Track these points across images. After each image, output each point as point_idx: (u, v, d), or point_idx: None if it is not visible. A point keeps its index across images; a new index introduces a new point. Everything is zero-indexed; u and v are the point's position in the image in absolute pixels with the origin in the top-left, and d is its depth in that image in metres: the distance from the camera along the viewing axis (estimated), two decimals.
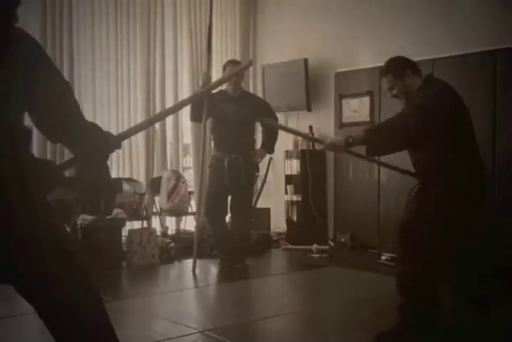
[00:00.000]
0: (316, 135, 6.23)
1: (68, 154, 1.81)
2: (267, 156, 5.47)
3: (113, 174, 5.52)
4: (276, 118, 4.94)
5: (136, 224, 5.59)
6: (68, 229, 4.79)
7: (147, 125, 2.53)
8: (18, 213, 1.59)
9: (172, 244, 5.34)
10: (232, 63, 4.84)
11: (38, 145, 5.20)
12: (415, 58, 3.12)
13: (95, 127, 1.88)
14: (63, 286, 1.66)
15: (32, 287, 1.66)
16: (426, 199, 2.90)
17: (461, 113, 2.90)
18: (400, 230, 2.93)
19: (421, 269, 2.85)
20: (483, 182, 2.98)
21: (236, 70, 3.95)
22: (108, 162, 1.99)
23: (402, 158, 3.10)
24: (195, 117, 4.85)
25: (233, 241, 4.82)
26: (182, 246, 5.36)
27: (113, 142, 1.96)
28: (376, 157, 3.62)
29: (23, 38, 1.67)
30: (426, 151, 2.90)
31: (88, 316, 1.70)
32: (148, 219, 5.77)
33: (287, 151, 6.33)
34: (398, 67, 3.00)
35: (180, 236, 5.73)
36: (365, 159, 3.41)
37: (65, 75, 5.40)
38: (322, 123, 6.20)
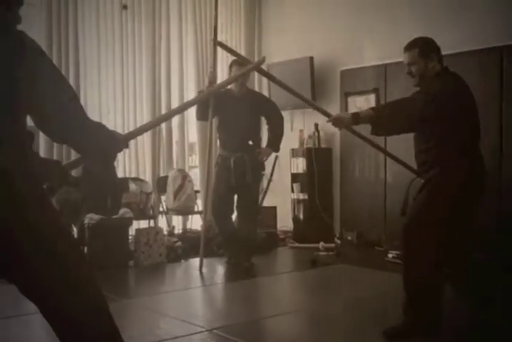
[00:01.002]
0: (322, 133, 6.23)
1: (74, 155, 1.80)
2: (273, 154, 5.47)
3: (120, 174, 5.54)
4: (281, 116, 4.94)
5: (143, 224, 5.60)
6: (73, 228, 4.84)
7: (154, 124, 2.53)
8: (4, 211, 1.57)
9: (179, 243, 5.35)
10: (238, 62, 4.82)
11: (44, 146, 5.21)
12: None
13: (101, 126, 1.86)
14: (53, 290, 1.64)
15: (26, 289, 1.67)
16: (433, 197, 2.88)
17: (470, 110, 2.89)
18: (404, 229, 2.89)
19: (427, 268, 2.84)
20: (482, 181, 2.96)
21: (247, 68, 3.83)
22: (115, 162, 1.97)
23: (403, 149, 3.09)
24: (201, 115, 4.86)
25: (239, 239, 4.82)
26: (188, 245, 5.36)
27: (121, 142, 1.95)
28: (379, 149, 3.60)
29: (23, 39, 1.65)
30: (431, 142, 2.87)
31: (85, 321, 1.67)
32: (155, 218, 5.78)
33: (292, 149, 6.32)
34: (427, 46, 2.96)
35: (187, 235, 5.73)
36: (366, 141, 3.36)
37: (71, 73, 5.43)
38: None
